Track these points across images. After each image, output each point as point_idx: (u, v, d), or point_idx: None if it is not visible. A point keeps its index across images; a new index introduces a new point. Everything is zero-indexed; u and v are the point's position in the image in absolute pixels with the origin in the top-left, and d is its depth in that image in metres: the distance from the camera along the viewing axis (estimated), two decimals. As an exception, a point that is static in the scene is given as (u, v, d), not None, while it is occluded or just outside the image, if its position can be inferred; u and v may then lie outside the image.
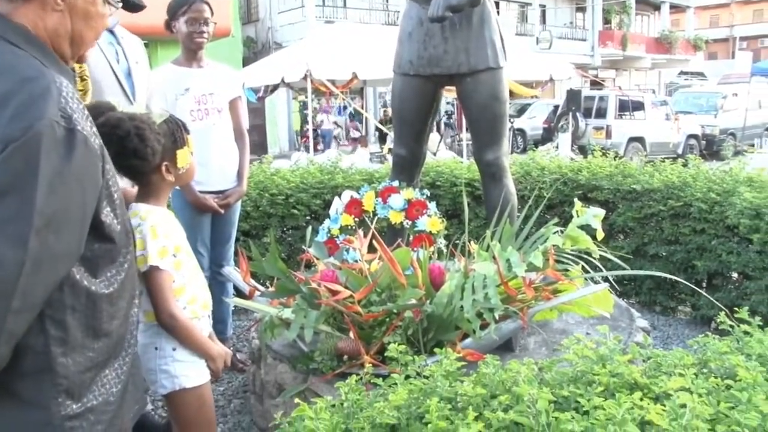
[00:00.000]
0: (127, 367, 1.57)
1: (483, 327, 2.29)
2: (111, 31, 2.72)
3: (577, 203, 2.72)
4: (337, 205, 3.41)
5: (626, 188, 4.63)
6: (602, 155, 5.39)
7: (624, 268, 3.36)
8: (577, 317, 2.92)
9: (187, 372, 2.02)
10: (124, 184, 2.41)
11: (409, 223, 3.28)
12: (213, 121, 3.40)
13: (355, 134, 19.73)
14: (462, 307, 2.30)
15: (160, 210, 2.01)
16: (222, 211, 3.40)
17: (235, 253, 3.54)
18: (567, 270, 2.59)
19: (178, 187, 3.12)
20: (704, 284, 4.43)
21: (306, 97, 12.75)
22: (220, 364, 2.07)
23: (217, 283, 3.58)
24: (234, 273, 2.98)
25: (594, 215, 2.68)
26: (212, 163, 3.36)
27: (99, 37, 1.58)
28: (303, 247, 3.32)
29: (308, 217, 4.72)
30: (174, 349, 2.01)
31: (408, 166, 3.52)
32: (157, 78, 3.26)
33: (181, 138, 2.01)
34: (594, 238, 2.67)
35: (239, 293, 3.29)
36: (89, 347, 1.45)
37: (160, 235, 1.93)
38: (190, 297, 2.02)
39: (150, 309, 1.97)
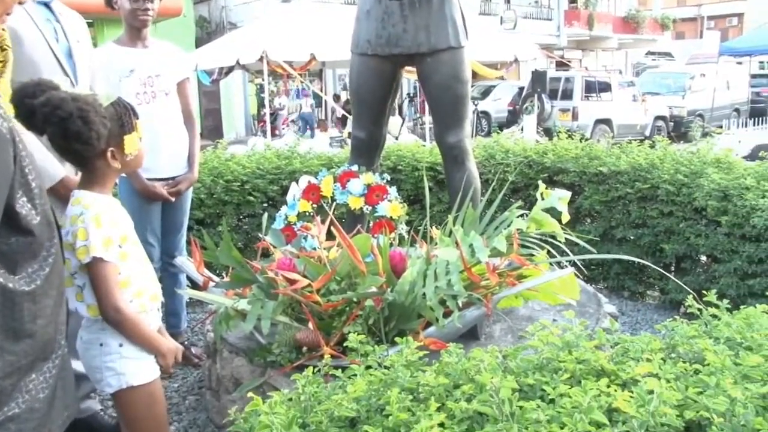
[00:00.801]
0: (57, 371, 1.50)
1: (446, 315, 2.30)
2: (48, 7, 2.63)
3: (542, 186, 2.73)
4: (295, 191, 3.39)
5: (593, 171, 4.67)
6: (568, 137, 5.43)
7: (591, 253, 3.40)
8: (543, 304, 2.95)
9: (135, 369, 1.98)
10: (68, 171, 2.36)
11: (369, 208, 3.28)
12: (160, 104, 3.33)
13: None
14: (424, 294, 2.30)
15: (105, 198, 1.96)
16: (172, 199, 3.36)
17: (188, 243, 3.49)
18: (532, 255, 2.61)
19: (124, 175, 3.07)
20: (673, 268, 4.50)
21: (263, 79, 12.64)
22: (171, 359, 2.04)
23: (169, 275, 3.55)
24: (187, 263, 2.95)
25: (559, 198, 2.69)
26: (161, 148, 3.30)
27: (9, 10, 1.51)
28: (259, 235, 3.30)
29: (265, 204, 4.69)
30: (120, 345, 1.96)
31: (367, 150, 3.51)
32: (99, 58, 3.16)
33: (129, 123, 1.96)
34: (560, 221, 2.68)
35: (193, 284, 3.25)
36: (9, 350, 1.38)
37: (104, 224, 1.89)
38: (137, 289, 1.98)
39: (94, 303, 1.92)
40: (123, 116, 1.94)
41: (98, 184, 1.97)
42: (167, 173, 3.38)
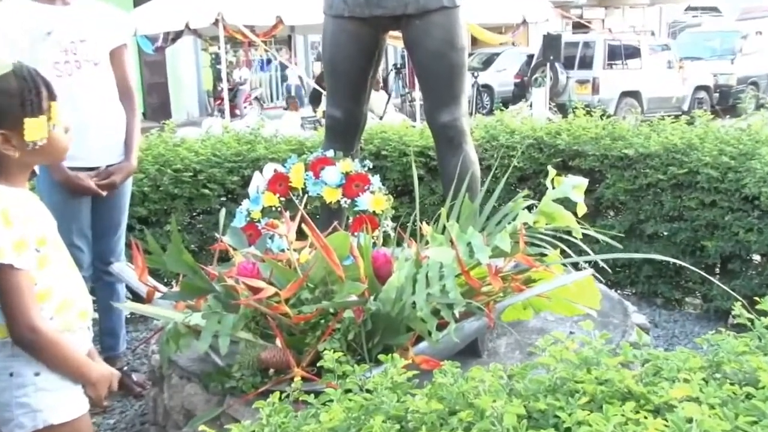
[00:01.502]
0: None
1: (440, 327, 2.30)
2: None
3: (552, 171, 2.75)
4: (258, 181, 3.40)
5: (616, 154, 4.71)
6: (587, 114, 5.47)
7: (615, 251, 3.42)
8: (558, 314, 2.96)
9: (55, 403, 1.92)
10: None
11: (348, 201, 3.29)
12: (87, 76, 3.27)
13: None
14: (414, 303, 2.32)
15: (14, 192, 1.90)
16: (104, 194, 3.32)
17: (128, 246, 3.48)
18: (542, 255, 2.63)
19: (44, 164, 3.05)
20: (717, 270, 4.51)
21: (218, 48, 12.61)
22: (104, 389, 2.00)
23: (103, 285, 3.53)
24: (126, 270, 2.94)
25: (574, 186, 2.71)
26: (89, 131, 3.23)
27: None
28: (216, 235, 3.29)
29: (222, 198, 4.69)
30: (37, 375, 1.90)
31: (345, 132, 3.52)
32: (3, 17, 3.11)
33: (35, 102, 1.86)
34: (575, 214, 2.70)
35: (134, 296, 3.25)
36: None
37: (14, 222, 1.82)
38: (59, 303, 1.94)
39: (2, 322, 1.86)
40: (26, 93, 1.85)
41: (2, 176, 1.90)
42: (98, 161, 3.34)
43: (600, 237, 2.79)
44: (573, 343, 1.72)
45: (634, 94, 16.03)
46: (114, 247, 3.55)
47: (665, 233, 4.63)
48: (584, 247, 2.76)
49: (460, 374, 1.59)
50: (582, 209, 2.72)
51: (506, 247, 2.42)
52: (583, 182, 2.76)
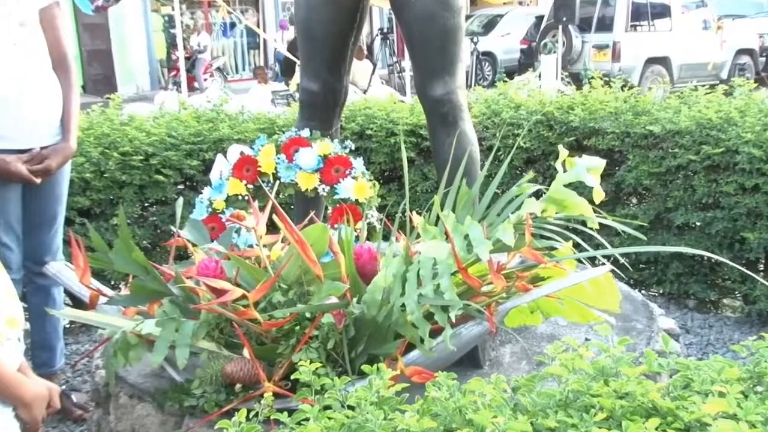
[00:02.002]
0: None
1: (434, 334, 2.31)
2: None
3: (563, 152, 2.74)
4: (222, 166, 3.40)
5: (639, 131, 4.72)
6: (605, 85, 5.47)
7: (639, 244, 3.42)
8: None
9: None
10: None
11: (326, 189, 3.30)
12: (12, 41, 3.25)
13: None
14: (403, 306, 2.33)
15: None
16: (37, 181, 3.30)
17: (66, 243, 3.47)
18: (552, 248, 2.64)
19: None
20: (761, 266, 4.52)
21: (172, 8, 12.57)
22: (39, 410, 1.99)
23: (36, 289, 3.52)
24: (64, 271, 2.92)
25: (589, 168, 2.70)
26: (17, 106, 3.23)
27: None
28: (172, 228, 3.30)
29: (180, 186, 4.71)
30: None
31: (322, 108, 3.53)
32: None
33: None
34: (591, 202, 2.70)
35: (74, 302, 3.25)
36: None
37: None
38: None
39: None
40: None
41: None
42: (29, 142, 3.31)
43: (620, 228, 2.77)
44: (588, 351, 1.74)
45: (662, 61, 15.98)
46: (49, 243, 3.53)
47: (698, 224, 4.63)
48: (602, 240, 2.77)
49: (457, 387, 1.61)
50: (599, 195, 2.70)
51: (510, 240, 2.42)
52: (600, 164, 2.75)
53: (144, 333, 2.44)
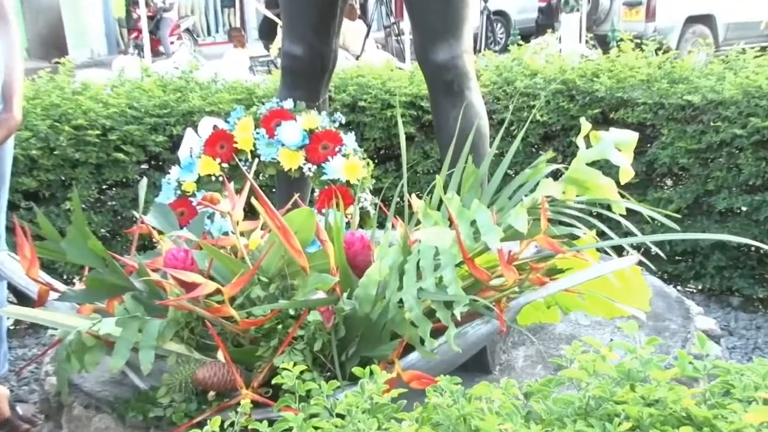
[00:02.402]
0: None
1: (436, 333, 2.32)
2: None
3: (586, 125, 2.73)
4: (192, 142, 3.41)
5: (676, 102, 4.70)
6: (637, 49, 5.46)
7: (674, 232, 3.41)
8: (595, 317, 2.99)
9: None
10: None
11: (313, 168, 3.31)
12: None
13: None
14: (401, 302, 2.34)
15: None
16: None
17: (9, 230, 3.48)
18: (573, 237, 2.64)
19: None
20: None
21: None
22: None
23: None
24: (9, 263, 2.92)
25: (617, 143, 2.67)
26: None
27: None
28: (135, 214, 3.30)
29: (143, 165, 4.71)
30: None
31: (308, 75, 3.54)
32: None
33: None
34: (618, 184, 2.68)
35: (19, 298, 3.25)
36: None
37: None
38: None
39: None
40: None
41: None
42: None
43: (652, 214, 2.75)
44: (611, 352, 1.75)
45: (705, 20, 15.81)
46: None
47: (743, 208, 4.62)
48: (630, 226, 2.73)
49: (462, 393, 1.62)
50: (627, 175, 2.65)
51: (523, 227, 2.42)
52: (632, 138, 2.65)
53: (102, 334, 2.42)
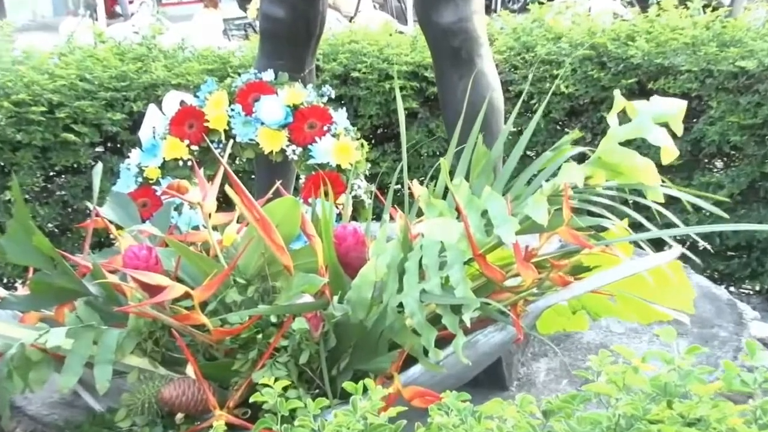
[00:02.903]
0: None
1: (442, 342, 2.33)
2: None
3: (620, 99, 2.70)
4: (156, 121, 3.42)
5: (727, 68, 4.68)
6: (680, 6, 5.43)
7: (724, 223, 3.40)
8: (629, 323, 3.00)
9: None
10: None
11: (298, 150, 3.33)
12: None
13: None
14: (401, 306, 2.34)
15: None
16: None
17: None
18: (601, 228, 2.63)
19: None
20: None
21: None
22: None
23: None
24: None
25: (659, 115, 2.62)
26: None
27: None
28: (88, 205, 3.32)
29: (98, 148, 4.71)
30: None
31: (291, 41, 3.55)
32: None
33: None
34: (659, 166, 2.66)
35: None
36: None
37: None
38: None
39: None
40: None
41: None
42: None
43: (697, 201, 2.71)
44: (645, 363, 1.77)
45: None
46: None
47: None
48: (671, 216, 2.69)
49: (470, 411, 1.64)
50: (670, 155, 2.61)
51: (542, 218, 2.42)
52: (677, 108, 2.60)
53: (49, 347, 2.41)
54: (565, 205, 2.42)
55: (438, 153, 4.93)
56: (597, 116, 4.88)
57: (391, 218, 2.71)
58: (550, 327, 2.71)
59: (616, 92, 2.74)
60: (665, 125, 2.63)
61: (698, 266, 2.99)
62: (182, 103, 3.40)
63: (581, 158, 2.67)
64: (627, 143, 2.63)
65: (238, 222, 2.71)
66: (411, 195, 2.72)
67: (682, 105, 2.66)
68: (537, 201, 2.44)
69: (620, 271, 2.47)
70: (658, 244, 2.77)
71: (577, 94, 4.94)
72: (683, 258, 2.49)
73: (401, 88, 3.67)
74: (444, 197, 2.66)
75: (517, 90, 4.80)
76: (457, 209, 2.49)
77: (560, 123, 4.99)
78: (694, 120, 4.81)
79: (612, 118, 2.69)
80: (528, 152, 2.82)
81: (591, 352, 2.91)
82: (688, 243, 3.89)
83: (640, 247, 2.75)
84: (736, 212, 4.57)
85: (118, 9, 17.84)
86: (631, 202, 2.69)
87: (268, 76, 3.40)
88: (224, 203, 2.64)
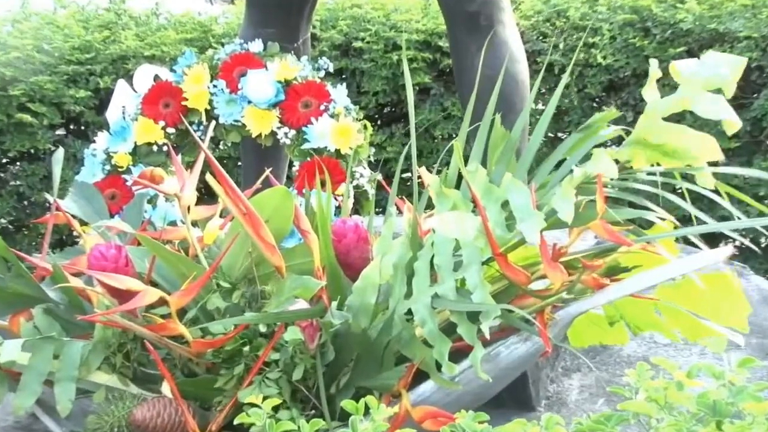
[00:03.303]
0: None
1: (458, 355, 2.34)
2: None
3: (654, 68, 2.63)
4: (126, 99, 3.43)
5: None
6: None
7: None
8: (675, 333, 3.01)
9: None
10: None
11: (291, 134, 3.36)
12: None
13: None
14: (410, 313, 2.35)
15: None
16: None
17: None
18: (633, 225, 2.60)
19: None
20: None
21: None
22: None
23: None
24: None
25: (711, 77, 2.56)
26: None
27: None
28: (48, 197, 3.33)
29: (58, 131, 4.72)
30: None
31: (282, 5, 3.58)
32: None
33: None
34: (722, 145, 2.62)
35: None
36: None
37: None
38: None
39: None
40: None
41: None
42: None
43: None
44: (691, 378, 1.78)
45: None
46: None
47: None
48: (728, 206, 2.62)
49: (489, 432, 1.66)
50: (732, 126, 2.55)
51: (569, 211, 2.37)
52: (735, 64, 2.56)
53: (3, 362, 2.43)
54: (599, 194, 2.39)
55: (454, 135, 4.91)
56: (639, 91, 4.85)
57: (398, 211, 2.72)
58: (584, 339, 2.72)
59: (653, 62, 2.68)
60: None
61: (756, 267, 2.97)
62: (156, 78, 3.40)
63: (619, 140, 2.65)
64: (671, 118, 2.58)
65: (221, 216, 2.72)
66: (421, 184, 2.72)
67: (740, 63, 2.59)
68: (565, 191, 2.40)
69: (665, 272, 2.44)
70: (711, 242, 2.75)
71: (616, 66, 4.95)
72: (742, 257, 2.45)
73: (411, 60, 3.66)
74: (458, 186, 2.65)
75: (546, 62, 4.80)
76: (474, 200, 2.48)
77: (596, 100, 5.00)
78: (754, 95, 4.82)
79: (647, 94, 2.65)
80: (560, 134, 2.79)
81: (632, 366, 2.83)
82: (750, 237, 3.89)
83: (691, 245, 2.71)
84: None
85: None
86: (678, 189, 2.66)
87: (256, 46, 3.41)
88: (206, 195, 2.65)
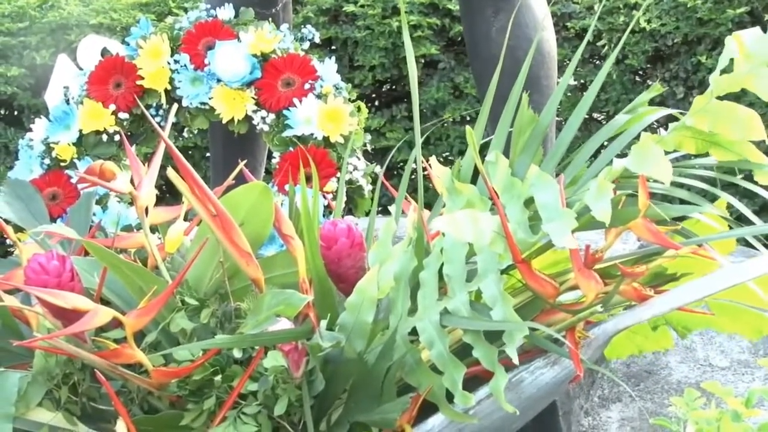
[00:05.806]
0: None
1: (474, 383, 2.37)
2: None
3: (734, 39, 2.61)
4: (68, 77, 3.46)
5: None
6: None
7: None
8: (737, 343, 3.03)
9: None
10: None
11: (269, 119, 3.39)
12: None
13: None
14: (415, 333, 2.38)
15: None
16: None
17: None
18: (680, 225, 2.63)
19: None
20: None
21: None
22: None
23: None
24: None
25: None
26: None
27: None
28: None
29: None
30: None
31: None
32: None
33: None
34: None
35: None
36: None
37: None
38: None
39: None
40: None
41: None
42: None
43: None
44: (748, 407, 1.82)
45: None
46: None
47: None
48: None
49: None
50: None
51: (603, 213, 2.37)
52: None
53: None
54: (641, 189, 2.39)
55: (468, 118, 4.94)
56: (691, 62, 4.90)
57: (402, 211, 2.77)
58: (622, 350, 2.73)
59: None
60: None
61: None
62: (105, 52, 3.41)
63: (666, 123, 2.66)
64: (729, 97, 2.57)
65: (186, 219, 2.75)
66: (428, 179, 2.75)
67: None
68: (601, 186, 2.39)
69: (721, 281, 2.43)
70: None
71: (663, 32, 4.96)
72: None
73: (414, 27, 3.67)
74: (473, 181, 2.68)
75: (579, 27, 4.83)
76: (492, 197, 2.49)
77: (640, 72, 5.02)
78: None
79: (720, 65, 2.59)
80: (595, 115, 2.77)
81: (680, 393, 2.90)
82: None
83: (748, 245, 2.73)
84: None
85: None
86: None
87: (226, 13, 3.43)
88: (167, 193, 2.68)
